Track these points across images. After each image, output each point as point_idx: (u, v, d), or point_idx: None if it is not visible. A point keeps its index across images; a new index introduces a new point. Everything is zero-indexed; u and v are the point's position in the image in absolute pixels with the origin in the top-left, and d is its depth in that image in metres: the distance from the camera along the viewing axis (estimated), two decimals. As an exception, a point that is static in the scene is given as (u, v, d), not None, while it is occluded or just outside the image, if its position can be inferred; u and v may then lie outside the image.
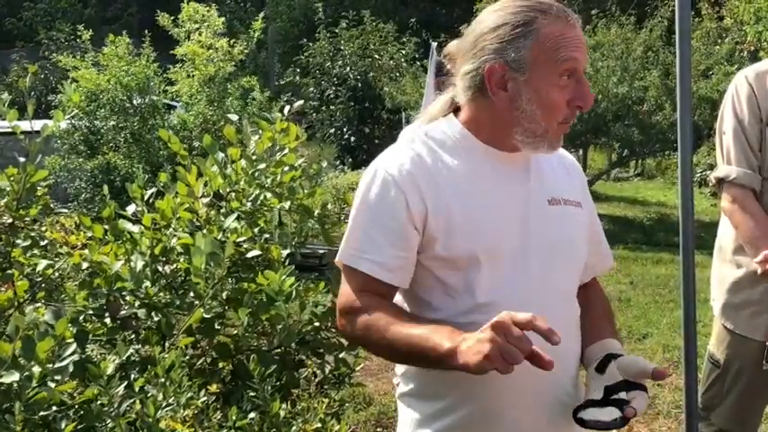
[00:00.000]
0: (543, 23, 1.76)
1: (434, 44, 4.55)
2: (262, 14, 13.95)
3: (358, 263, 1.83)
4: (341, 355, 3.12)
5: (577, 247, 1.96)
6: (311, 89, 18.78)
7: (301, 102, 3.49)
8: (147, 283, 2.73)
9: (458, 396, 1.83)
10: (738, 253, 2.95)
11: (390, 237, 1.81)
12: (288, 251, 3.05)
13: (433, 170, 1.84)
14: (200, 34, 11.17)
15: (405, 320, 1.76)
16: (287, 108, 3.23)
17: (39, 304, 2.75)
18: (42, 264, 2.85)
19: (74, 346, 2.15)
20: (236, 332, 2.89)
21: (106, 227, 2.94)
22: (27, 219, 2.94)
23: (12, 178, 2.80)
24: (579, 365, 1.97)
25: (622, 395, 1.78)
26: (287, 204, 3.16)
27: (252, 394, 2.48)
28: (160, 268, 2.97)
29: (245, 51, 11.93)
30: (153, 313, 2.78)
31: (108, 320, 2.75)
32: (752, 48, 13.57)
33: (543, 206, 1.89)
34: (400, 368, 1.98)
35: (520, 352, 1.47)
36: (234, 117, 3.35)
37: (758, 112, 2.85)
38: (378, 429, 4.66)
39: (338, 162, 17.04)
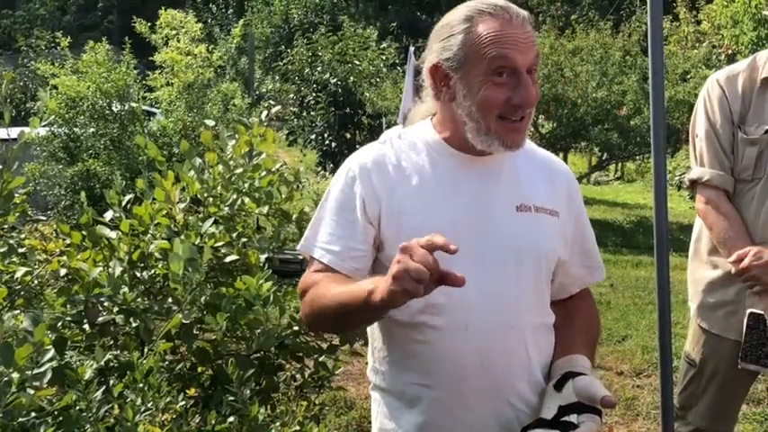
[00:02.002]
0: (477, 21, 1.79)
1: (412, 48, 4.56)
2: (242, 21, 13.92)
3: (313, 250, 1.93)
4: (320, 359, 3.13)
5: (544, 255, 1.94)
6: (291, 95, 18.76)
7: (279, 107, 3.51)
8: (125, 289, 2.74)
9: (413, 393, 1.88)
10: (713, 254, 2.99)
11: (347, 229, 1.88)
12: (266, 256, 3.07)
13: (394, 171, 1.89)
14: (177, 41, 11.15)
15: (342, 283, 1.81)
16: (264, 113, 3.25)
17: (17, 311, 2.74)
18: (21, 271, 2.84)
19: (52, 352, 2.15)
20: (214, 337, 2.89)
21: (84, 233, 2.94)
22: (5, 226, 2.94)
23: (-12, 185, 2.79)
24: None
25: (573, 418, 1.75)
26: (265, 209, 3.17)
27: (231, 398, 2.49)
28: (138, 274, 2.97)
29: (224, 57, 11.91)
30: (131, 319, 2.78)
31: (86, 327, 2.75)
32: (729, 51, 13.69)
33: (509, 212, 1.90)
34: (369, 361, 2.03)
35: (426, 269, 1.48)
36: (210, 123, 3.35)
37: (729, 114, 2.89)
38: (359, 433, 4.67)
39: (319, 168, 17.03)
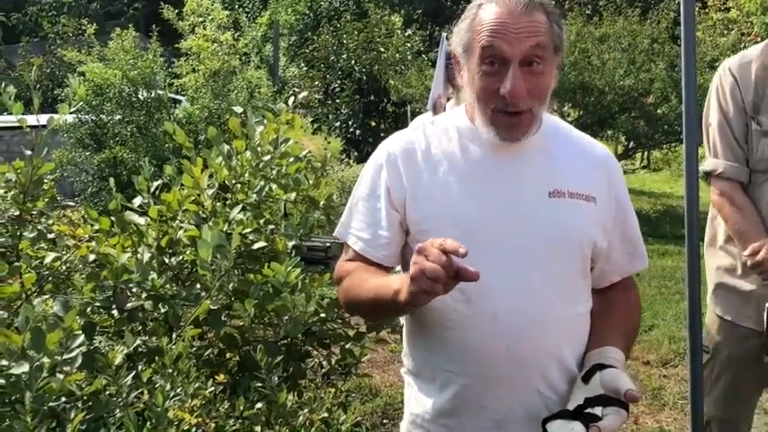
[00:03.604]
0: (483, 8, 1.78)
1: (444, 34, 4.53)
2: (269, 11, 13.94)
3: (346, 236, 1.99)
4: (347, 346, 3.13)
5: (578, 242, 1.89)
6: (316, 83, 18.74)
7: (306, 92, 3.51)
8: (154, 275, 2.74)
9: (443, 378, 1.89)
10: (729, 242, 2.94)
11: (375, 216, 1.92)
12: (293, 242, 3.07)
13: (422, 157, 1.90)
14: (204, 28, 11.20)
15: (374, 275, 1.85)
16: (291, 99, 3.24)
17: (47, 296, 2.76)
18: (50, 256, 2.86)
19: (82, 337, 2.16)
20: (242, 323, 2.90)
21: (113, 218, 2.96)
22: (34, 211, 2.96)
23: (19, 171, 2.81)
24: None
25: (598, 410, 1.72)
26: (292, 196, 3.17)
27: (259, 384, 2.50)
28: (167, 260, 2.99)
29: (249, 45, 11.95)
30: (160, 305, 2.79)
31: (115, 312, 2.77)
32: (758, 39, 13.51)
33: (541, 198, 1.86)
34: (403, 345, 2.04)
35: (440, 268, 1.50)
36: (239, 109, 3.35)
37: (742, 104, 2.81)
38: (384, 421, 4.67)
39: (344, 155, 17.04)
